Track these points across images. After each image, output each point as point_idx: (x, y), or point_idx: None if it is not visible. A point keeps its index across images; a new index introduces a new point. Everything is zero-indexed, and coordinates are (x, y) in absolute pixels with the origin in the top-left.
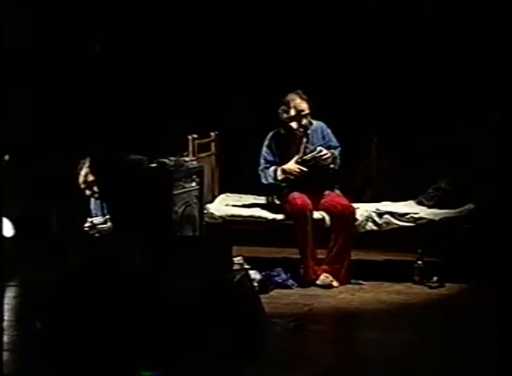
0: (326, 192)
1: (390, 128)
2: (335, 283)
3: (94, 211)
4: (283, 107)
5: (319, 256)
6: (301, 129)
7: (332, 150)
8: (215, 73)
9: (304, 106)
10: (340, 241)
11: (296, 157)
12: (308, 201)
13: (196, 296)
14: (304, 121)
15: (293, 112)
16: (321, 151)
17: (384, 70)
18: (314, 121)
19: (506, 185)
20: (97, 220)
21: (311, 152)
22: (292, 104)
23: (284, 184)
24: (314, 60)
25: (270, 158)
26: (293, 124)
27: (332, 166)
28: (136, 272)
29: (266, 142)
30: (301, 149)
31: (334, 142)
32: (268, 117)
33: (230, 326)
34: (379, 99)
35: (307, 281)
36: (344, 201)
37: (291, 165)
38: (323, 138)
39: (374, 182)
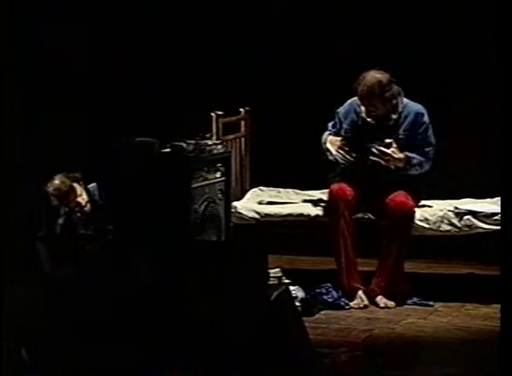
0: (390, 192)
1: (478, 93)
2: (387, 304)
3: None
4: (358, 85)
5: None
6: (373, 122)
7: (407, 153)
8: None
9: (375, 101)
10: (394, 246)
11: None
12: (349, 190)
13: (222, 320)
14: (377, 113)
15: (361, 101)
16: (389, 146)
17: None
18: (409, 102)
19: None
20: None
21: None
22: (362, 92)
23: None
24: None
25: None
26: (363, 114)
27: (400, 169)
28: (144, 291)
29: (342, 110)
30: (382, 134)
31: (429, 138)
32: (319, 86)
33: (265, 358)
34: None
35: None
36: (401, 197)
37: (336, 138)
38: (415, 128)
39: (451, 172)
